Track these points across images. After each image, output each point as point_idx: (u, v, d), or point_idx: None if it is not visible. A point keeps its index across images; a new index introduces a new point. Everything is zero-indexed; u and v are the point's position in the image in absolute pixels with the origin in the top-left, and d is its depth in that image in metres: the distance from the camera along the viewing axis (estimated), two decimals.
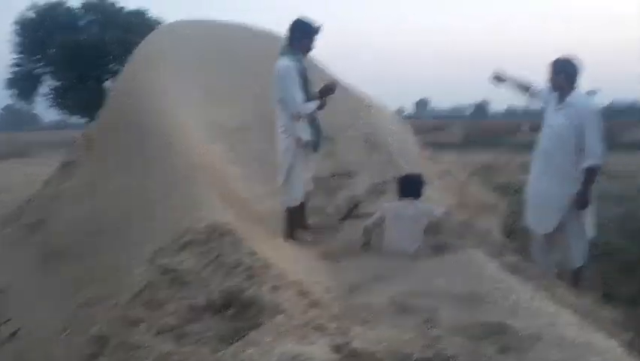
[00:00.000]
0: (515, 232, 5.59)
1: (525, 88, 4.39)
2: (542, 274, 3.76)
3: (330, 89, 4.37)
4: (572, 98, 3.82)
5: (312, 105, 4.27)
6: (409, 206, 3.92)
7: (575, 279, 4.08)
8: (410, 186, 4.05)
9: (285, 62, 4.15)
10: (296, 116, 4.19)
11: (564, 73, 3.87)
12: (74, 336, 2.79)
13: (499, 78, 4.47)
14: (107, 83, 31.01)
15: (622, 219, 4.48)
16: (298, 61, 4.22)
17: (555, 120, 3.90)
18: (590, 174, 3.78)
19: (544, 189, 3.99)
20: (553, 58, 3.94)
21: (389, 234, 3.88)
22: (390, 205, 4.08)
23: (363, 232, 4.04)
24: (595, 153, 3.74)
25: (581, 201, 3.84)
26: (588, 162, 3.75)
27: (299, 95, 4.14)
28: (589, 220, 3.99)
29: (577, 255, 4.05)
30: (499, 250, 4.18)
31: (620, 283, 4.11)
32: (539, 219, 4.10)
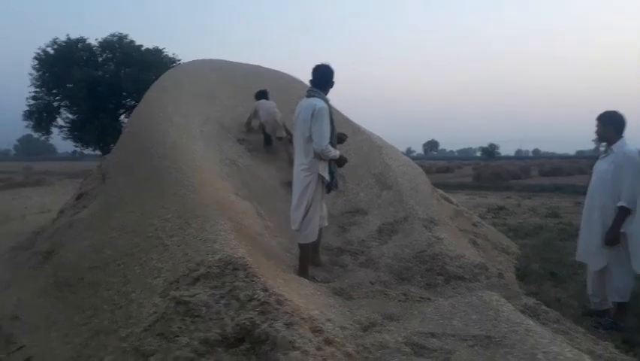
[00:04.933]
0: (529, 275, 5.51)
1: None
2: (560, 318, 3.69)
3: (341, 139, 4.79)
4: (615, 146, 4.20)
5: (336, 153, 4.39)
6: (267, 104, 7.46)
7: (617, 315, 4.18)
8: (263, 94, 7.69)
9: (322, 104, 4.28)
10: (324, 155, 4.27)
11: (613, 125, 4.24)
12: None
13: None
14: (122, 118, 31.71)
15: None
16: (328, 103, 4.35)
17: (600, 167, 4.31)
18: (620, 213, 4.04)
19: (591, 229, 4.28)
20: (600, 112, 4.31)
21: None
22: (259, 105, 7.50)
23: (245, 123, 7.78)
24: (626, 195, 4.02)
25: (608, 237, 4.09)
26: (620, 203, 4.04)
27: (329, 137, 4.28)
28: (637, 256, 4.09)
29: (616, 290, 4.18)
30: (515, 293, 4.13)
31: (638, 330, 3.98)
32: (588, 254, 4.35)
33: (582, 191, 4.66)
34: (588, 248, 4.36)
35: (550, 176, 26.05)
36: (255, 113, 7.57)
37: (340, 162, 4.55)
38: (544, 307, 3.86)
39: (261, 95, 7.76)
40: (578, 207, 11.14)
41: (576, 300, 4.70)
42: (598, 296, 4.36)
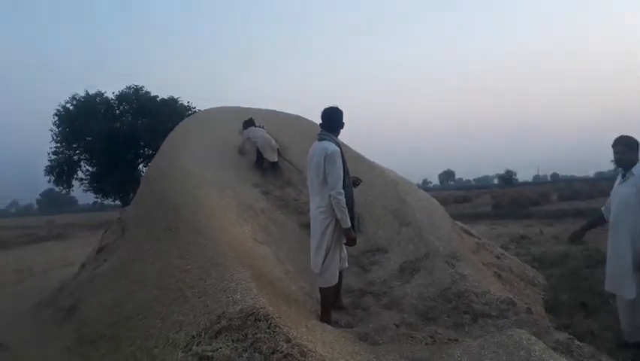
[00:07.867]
0: (559, 307, 5.35)
1: (599, 221, 4.71)
2: (595, 353, 3.54)
3: (355, 184, 4.84)
4: (634, 169, 4.13)
5: (347, 222, 4.22)
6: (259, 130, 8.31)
7: None
8: (251, 123, 8.49)
9: (333, 147, 4.28)
10: (335, 202, 4.18)
11: (625, 146, 4.18)
12: None
13: (575, 238, 5.15)
14: (140, 167, 32.30)
15: None
16: (339, 145, 4.38)
17: (621, 191, 4.22)
18: None
19: (620, 256, 4.16)
20: (616, 137, 4.26)
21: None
22: (250, 131, 8.34)
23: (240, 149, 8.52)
24: None
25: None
26: None
27: (342, 180, 4.25)
28: None
29: None
30: (545, 328, 3.99)
31: None
32: (618, 283, 4.21)
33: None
34: (618, 277, 4.21)
35: (571, 200, 25.57)
36: (248, 140, 8.31)
37: (348, 237, 4.30)
38: (577, 342, 3.71)
39: (249, 123, 8.54)
40: (602, 231, 10.83)
41: (610, 331, 4.51)
42: (630, 327, 4.19)
